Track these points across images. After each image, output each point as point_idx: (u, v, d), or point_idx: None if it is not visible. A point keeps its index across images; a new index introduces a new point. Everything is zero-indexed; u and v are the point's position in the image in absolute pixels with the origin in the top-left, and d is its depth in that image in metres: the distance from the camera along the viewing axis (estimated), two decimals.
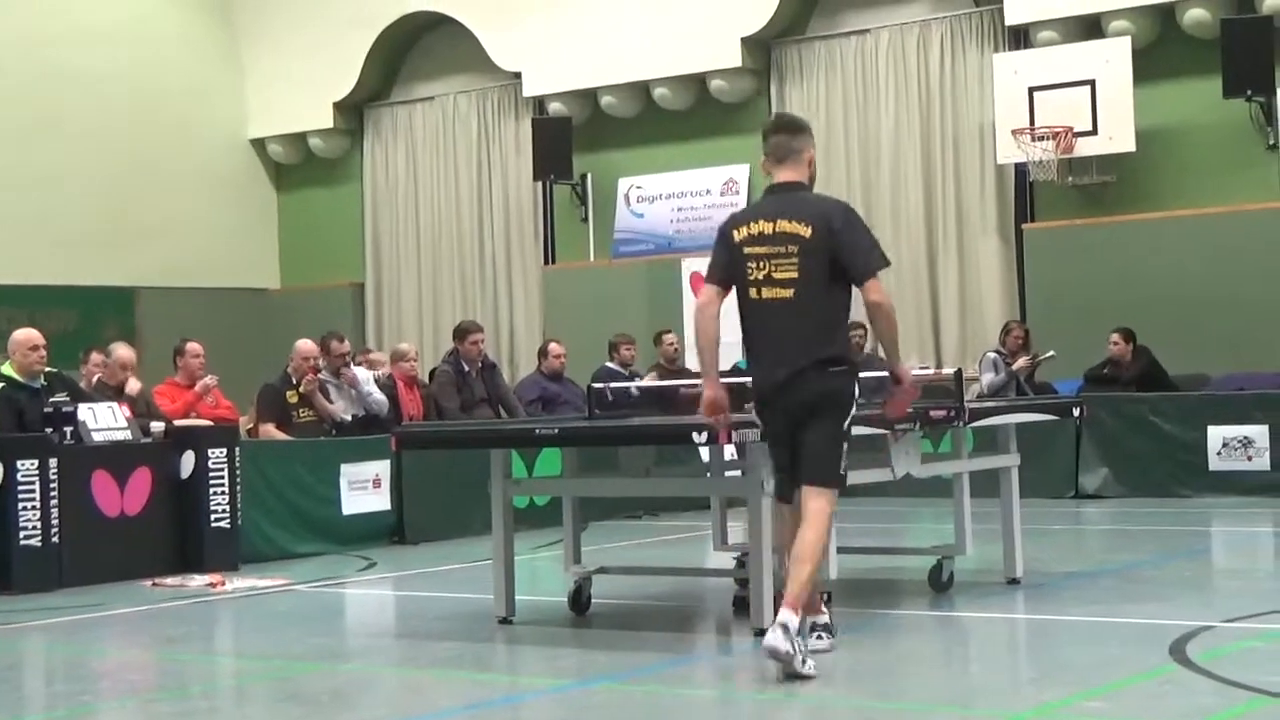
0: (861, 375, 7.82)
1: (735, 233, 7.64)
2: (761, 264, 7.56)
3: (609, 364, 16.81)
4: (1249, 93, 17.10)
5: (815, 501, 7.46)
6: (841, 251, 7.51)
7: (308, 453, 13.56)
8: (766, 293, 7.55)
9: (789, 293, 7.51)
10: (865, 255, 7.54)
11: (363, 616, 10.66)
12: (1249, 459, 15.06)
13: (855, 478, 8.81)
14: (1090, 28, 18.31)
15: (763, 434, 7.76)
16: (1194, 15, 17.64)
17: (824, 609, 7.83)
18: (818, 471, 7.51)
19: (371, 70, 22.90)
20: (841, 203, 7.85)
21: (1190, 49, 17.82)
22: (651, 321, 18.94)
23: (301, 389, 14.19)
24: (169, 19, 22.90)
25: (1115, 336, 16.45)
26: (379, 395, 14.75)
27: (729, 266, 7.65)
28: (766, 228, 7.57)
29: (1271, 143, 17.42)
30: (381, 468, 13.72)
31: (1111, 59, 17.71)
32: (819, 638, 7.54)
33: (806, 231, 7.51)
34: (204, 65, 23.16)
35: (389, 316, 23.16)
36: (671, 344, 17.37)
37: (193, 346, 14.31)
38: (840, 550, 8.77)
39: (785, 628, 7.04)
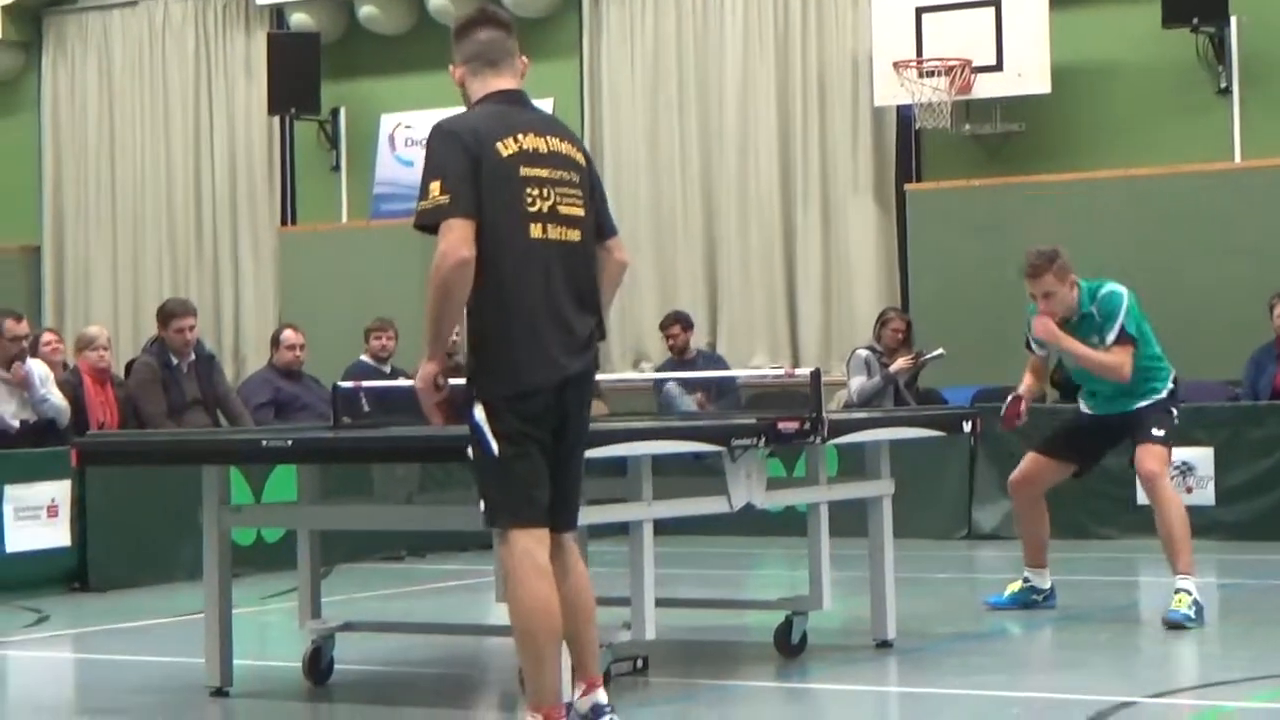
0: (693, 376, 7.84)
1: (501, 145, 7.02)
2: (546, 192, 7.03)
3: (363, 358, 16.76)
4: (1195, 22, 17.39)
5: (575, 545, 7.28)
6: (597, 192, 7.32)
7: None
8: (553, 231, 7.02)
9: (576, 235, 7.10)
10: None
11: (28, 688, 10.49)
12: (1189, 490, 15.18)
13: (680, 509, 8.89)
14: None
15: (514, 438, 7.00)
16: None
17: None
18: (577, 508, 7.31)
19: None
20: None
21: None
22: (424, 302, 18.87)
23: None
24: None
25: None
26: (56, 398, 14.58)
27: (493, 191, 6.95)
28: (539, 144, 7.12)
29: (1223, 85, 17.73)
30: (59, 490, 13.57)
31: None
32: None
33: (581, 158, 7.24)
34: None
35: (74, 290, 22.87)
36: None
37: None
38: (661, 603, 8.81)
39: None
